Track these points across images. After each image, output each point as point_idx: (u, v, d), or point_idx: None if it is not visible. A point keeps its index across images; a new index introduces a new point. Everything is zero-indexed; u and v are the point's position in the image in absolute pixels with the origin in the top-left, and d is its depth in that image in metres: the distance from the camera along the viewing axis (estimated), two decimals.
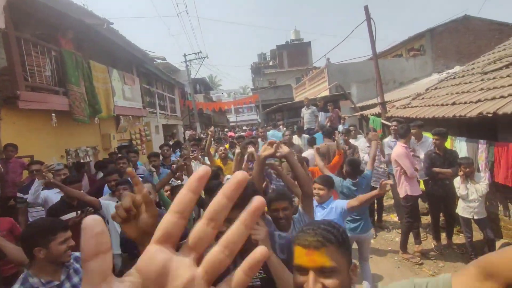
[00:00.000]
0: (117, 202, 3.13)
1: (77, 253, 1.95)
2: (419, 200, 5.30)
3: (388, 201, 6.30)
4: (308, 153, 5.53)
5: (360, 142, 5.62)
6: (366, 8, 6.87)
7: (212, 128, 4.99)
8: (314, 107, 9.38)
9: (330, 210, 2.88)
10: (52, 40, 5.67)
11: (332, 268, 0.93)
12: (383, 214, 5.77)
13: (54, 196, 3.46)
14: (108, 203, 2.96)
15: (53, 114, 5.19)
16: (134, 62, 9.49)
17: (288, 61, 30.94)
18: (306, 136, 7.52)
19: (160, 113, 12.30)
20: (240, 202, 0.31)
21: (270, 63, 33.13)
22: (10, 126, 4.65)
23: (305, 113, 9.22)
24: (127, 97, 8.41)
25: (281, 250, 1.45)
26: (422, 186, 5.10)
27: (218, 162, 5.37)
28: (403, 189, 4.50)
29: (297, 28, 33.69)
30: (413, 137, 5.07)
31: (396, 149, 4.56)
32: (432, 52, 15.13)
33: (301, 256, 0.98)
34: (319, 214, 2.87)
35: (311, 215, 2.14)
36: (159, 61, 9.96)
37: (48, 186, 3.31)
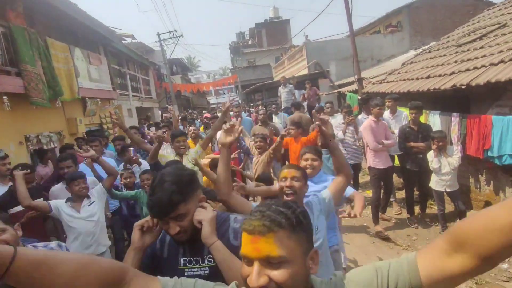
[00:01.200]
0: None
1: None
2: (395, 175, 5.35)
3: (365, 178, 6.32)
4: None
5: (337, 120, 5.52)
6: None
7: (170, 107, 4.76)
8: (291, 85, 9.21)
9: (323, 188, 2.33)
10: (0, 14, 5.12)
11: (280, 258, 0.78)
12: (359, 190, 5.79)
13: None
14: (58, 203, 2.76)
15: (4, 97, 4.74)
16: (100, 41, 8.88)
17: (268, 40, 30.33)
18: (283, 114, 7.39)
19: (133, 95, 11.75)
20: None
21: (249, 42, 32.41)
22: None
23: (282, 92, 9.03)
24: (94, 78, 7.90)
25: (234, 236, 1.29)
26: (397, 161, 5.10)
27: (190, 142, 5.16)
28: (368, 161, 4.58)
29: (275, 5, 32.91)
30: (387, 111, 5.02)
31: (364, 122, 4.61)
32: (410, 28, 15.09)
33: (246, 244, 0.82)
34: (310, 189, 2.56)
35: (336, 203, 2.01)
36: (128, 39, 9.35)
37: None
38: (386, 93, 5.65)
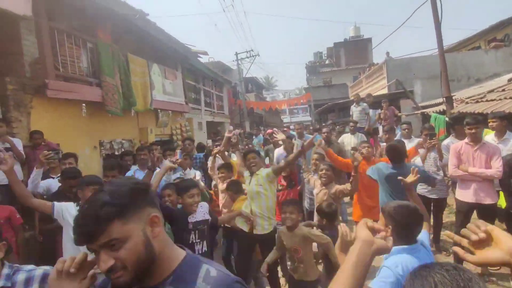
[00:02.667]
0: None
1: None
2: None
3: (450, 217, 5.13)
4: None
5: (415, 144, 4.62)
6: None
7: (231, 128, 4.52)
8: (365, 104, 8.34)
9: None
10: (89, 31, 5.76)
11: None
12: (442, 232, 4.68)
13: (56, 185, 3.30)
14: (65, 206, 2.43)
15: (83, 105, 5.22)
16: (178, 57, 9.49)
17: (346, 59, 29.22)
18: (361, 134, 6.50)
19: (205, 110, 12.28)
20: None
21: (327, 62, 31.71)
22: (42, 115, 4.75)
23: (354, 111, 8.23)
24: (168, 91, 8.40)
25: None
26: (502, 200, 3.95)
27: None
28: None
29: (357, 24, 31.76)
30: (491, 134, 3.97)
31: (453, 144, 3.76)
32: None
33: None
34: None
35: None
36: (203, 56, 9.83)
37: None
38: (484, 114, 4.53)
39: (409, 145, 4.80)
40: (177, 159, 4.22)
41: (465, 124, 3.53)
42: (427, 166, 4.26)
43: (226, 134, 4.02)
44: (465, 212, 3.70)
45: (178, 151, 4.28)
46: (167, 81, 8.41)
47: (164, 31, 7.29)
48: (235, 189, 3.53)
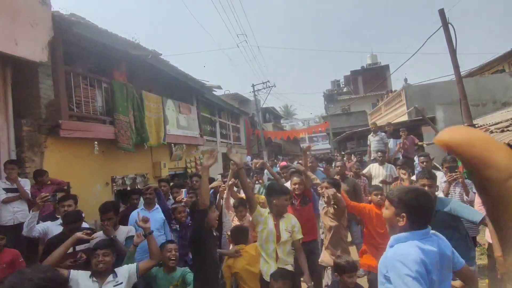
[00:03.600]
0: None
1: None
2: None
3: (482, 259, 4.61)
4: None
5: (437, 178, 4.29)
6: (441, 12, 5.63)
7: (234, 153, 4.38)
8: (383, 133, 8.04)
9: None
10: (105, 72, 6.02)
11: None
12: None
13: (55, 228, 3.25)
14: (79, 275, 2.36)
15: (95, 143, 5.32)
16: (194, 92, 9.74)
17: (364, 86, 29.10)
18: (391, 166, 6.07)
19: (221, 141, 12.35)
20: None
21: (344, 90, 31.70)
22: (56, 154, 4.86)
23: (372, 140, 7.94)
24: (182, 125, 8.52)
25: None
26: None
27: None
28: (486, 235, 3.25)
29: (373, 51, 31.88)
30: None
31: None
32: None
33: None
34: None
35: None
36: (216, 90, 10.04)
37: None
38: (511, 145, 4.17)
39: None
40: (182, 198, 4.12)
41: None
42: None
43: (231, 167, 3.91)
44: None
45: (183, 190, 4.17)
46: (181, 115, 8.56)
47: (178, 68, 7.53)
48: (237, 238, 3.29)
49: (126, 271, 2.53)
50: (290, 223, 2.98)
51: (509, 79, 12.55)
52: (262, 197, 4.81)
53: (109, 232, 2.94)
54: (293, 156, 23.44)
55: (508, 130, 4.92)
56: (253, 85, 19.63)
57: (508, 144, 4.27)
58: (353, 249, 5.26)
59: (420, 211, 1.58)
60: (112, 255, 2.48)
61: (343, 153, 14.00)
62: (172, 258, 2.72)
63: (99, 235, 2.96)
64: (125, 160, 6.38)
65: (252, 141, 20.21)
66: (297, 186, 3.91)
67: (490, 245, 3.41)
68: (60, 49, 4.90)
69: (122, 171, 6.36)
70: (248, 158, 16.43)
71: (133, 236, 2.92)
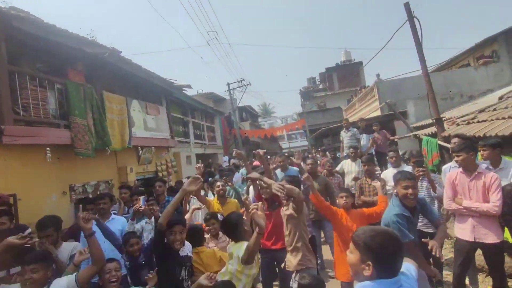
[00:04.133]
0: None
1: None
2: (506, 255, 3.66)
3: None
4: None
5: None
6: (407, 6, 5.61)
7: (198, 165, 4.11)
8: (355, 129, 8.03)
9: None
10: (58, 72, 5.56)
11: None
12: (444, 271, 4.15)
13: None
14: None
15: (47, 149, 4.88)
16: (163, 92, 9.34)
17: (339, 83, 29.46)
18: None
19: (195, 142, 11.99)
20: None
21: (320, 87, 31.97)
22: (0, 163, 4.40)
23: (345, 136, 7.90)
24: (150, 127, 8.13)
25: None
26: (507, 234, 3.49)
27: (214, 201, 4.48)
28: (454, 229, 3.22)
29: (347, 48, 32.34)
30: (484, 162, 3.56)
31: (449, 173, 3.35)
32: (510, 58, 12.65)
33: None
34: None
35: None
36: (187, 89, 9.68)
37: None
38: (477, 137, 4.17)
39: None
40: (140, 206, 3.81)
41: (451, 151, 3.17)
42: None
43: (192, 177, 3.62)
44: (465, 251, 3.24)
45: (141, 197, 3.86)
46: (149, 116, 8.16)
47: (142, 67, 7.13)
48: (193, 240, 3.03)
49: (63, 284, 2.23)
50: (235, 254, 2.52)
51: (474, 72, 12.98)
52: (234, 201, 4.58)
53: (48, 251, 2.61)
54: (273, 154, 23.31)
55: (473, 122, 4.96)
56: (228, 84, 19.34)
57: (474, 137, 4.27)
58: (326, 248, 5.14)
59: (388, 259, 1.37)
60: (44, 271, 2.17)
61: (319, 149, 14.01)
62: (113, 280, 2.41)
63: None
64: (85, 167, 5.94)
65: (229, 140, 19.90)
66: (263, 190, 3.74)
67: (457, 239, 3.36)
68: (2, 47, 4.43)
69: (82, 179, 5.92)
70: (225, 158, 16.14)
71: None
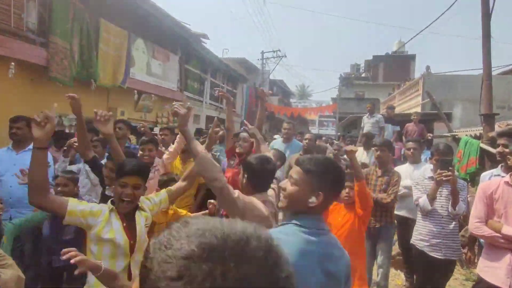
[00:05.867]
0: None
1: None
2: None
3: (456, 284, 3.52)
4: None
5: (421, 171, 3.15)
6: None
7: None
8: (380, 116, 6.82)
9: None
10: None
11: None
12: None
13: None
14: None
15: (12, 63, 4.28)
16: (179, 41, 8.51)
17: (384, 74, 27.11)
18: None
19: (210, 103, 11.25)
20: None
21: (363, 75, 29.70)
22: None
23: (366, 122, 6.71)
24: (154, 73, 7.43)
25: None
26: None
27: (178, 158, 3.73)
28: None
29: (402, 39, 29.39)
30: None
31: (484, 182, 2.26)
32: None
33: None
34: None
35: None
36: (204, 40, 8.77)
37: None
38: None
39: (415, 172, 3.32)
40: (74, 142, 3.12)
41: (498, 156, 2.07)
42: (437, 207, 2.76)
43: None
44: None
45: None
46: (155, 61, 7.44)
47: (157, 5, 6.29)
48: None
49: None
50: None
51: None
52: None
53: None
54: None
55: None
56: (262, 52, 18.18)
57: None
58: None
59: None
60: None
61: (342, 136, 12.74)
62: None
63: None
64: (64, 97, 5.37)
65: (254, 112, 19.04)
66: (241, 143, 3.15)
67: (482, 281, 2.32)
68: None
69: (59, 109, 5.37)
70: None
71: None
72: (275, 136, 7.36)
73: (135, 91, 6.93)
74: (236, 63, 16.86)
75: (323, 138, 9.58)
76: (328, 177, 1.24)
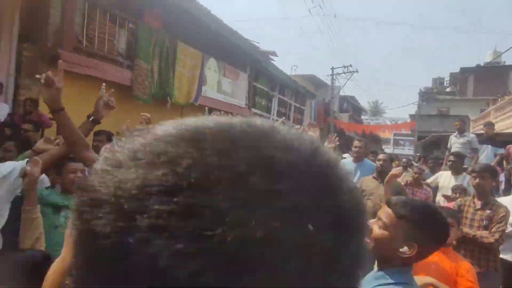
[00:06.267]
0: None
1: None
2: None
3: None
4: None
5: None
6: None
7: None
8: (472, 135, 5.84)
9: None
10: (135, 12, 5.48)
11: None
12: None
13: None
14: None
15: (103, 84, 4.81)
16: (248, 59, 8.76)
17: (475, 88, 23.92)
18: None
19: (276, 119, 11.24)
20: None
21: (448, 89, 26.70)
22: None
23: (455, 142, 5.78)
24: (224, 90, 7.71)
25: None
26: None
27: None
28: None
29: (497, 48, 25.72)
30: None
31: None
32: None
33: None
34: None
35: None
36: (272, 57, 8.86)
37: None
38: None
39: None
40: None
41: None
42: None
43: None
44: None
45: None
46: (225, 79, 7.74)
47: (220, 20, 6.60)
48: None
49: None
50: None
51: None
52: None
53: None
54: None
55: None
56: (332, 68, 17.71)
57: None
58: None
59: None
60: None
61: (422, 158, 11.37)
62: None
63: None
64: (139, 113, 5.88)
65: (322, 129, 18.51)
66: None
67: None
68: None
69: (136, 125, 5.89)
70: None
71: None
72: (345, 155, 6.85)
73: (206, 108, 7.25)
74: (304, 80, 16.74)
75: (404, 160, 8.33)
76: (426, 228, 1.05)
